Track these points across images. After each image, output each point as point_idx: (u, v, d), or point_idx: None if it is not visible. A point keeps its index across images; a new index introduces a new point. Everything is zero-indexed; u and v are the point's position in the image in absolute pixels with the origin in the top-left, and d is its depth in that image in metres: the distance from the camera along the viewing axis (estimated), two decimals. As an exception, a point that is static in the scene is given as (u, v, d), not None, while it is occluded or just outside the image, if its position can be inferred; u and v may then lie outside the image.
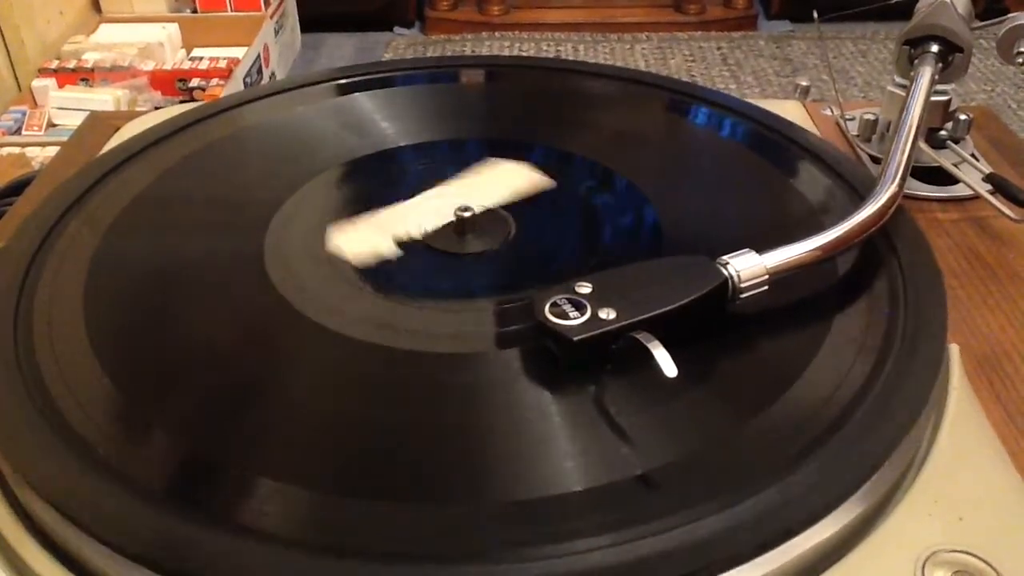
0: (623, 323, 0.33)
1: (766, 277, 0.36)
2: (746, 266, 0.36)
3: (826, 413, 0.32)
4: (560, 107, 0.55)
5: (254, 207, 0.45)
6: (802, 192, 0.45)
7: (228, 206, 0.46)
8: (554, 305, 0.34)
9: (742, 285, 0.35)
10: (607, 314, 0.34)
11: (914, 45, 0.53)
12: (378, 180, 0.49)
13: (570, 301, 0.34)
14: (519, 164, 0.47)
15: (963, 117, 0.56)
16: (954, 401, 0.35)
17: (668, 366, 0.31)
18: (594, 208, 0.46)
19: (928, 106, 0.49)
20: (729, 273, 0.35)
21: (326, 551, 0.28)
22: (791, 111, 0.57)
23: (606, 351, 0.34)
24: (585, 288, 0.35)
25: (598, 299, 0.34)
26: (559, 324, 0.33)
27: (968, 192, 0.52)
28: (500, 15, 2.31)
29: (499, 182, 0.45)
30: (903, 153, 0.44)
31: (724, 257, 0.36)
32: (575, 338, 0.33)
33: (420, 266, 0.42)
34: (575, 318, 0.33)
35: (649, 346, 0.32)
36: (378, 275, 0.41)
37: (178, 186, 0.47)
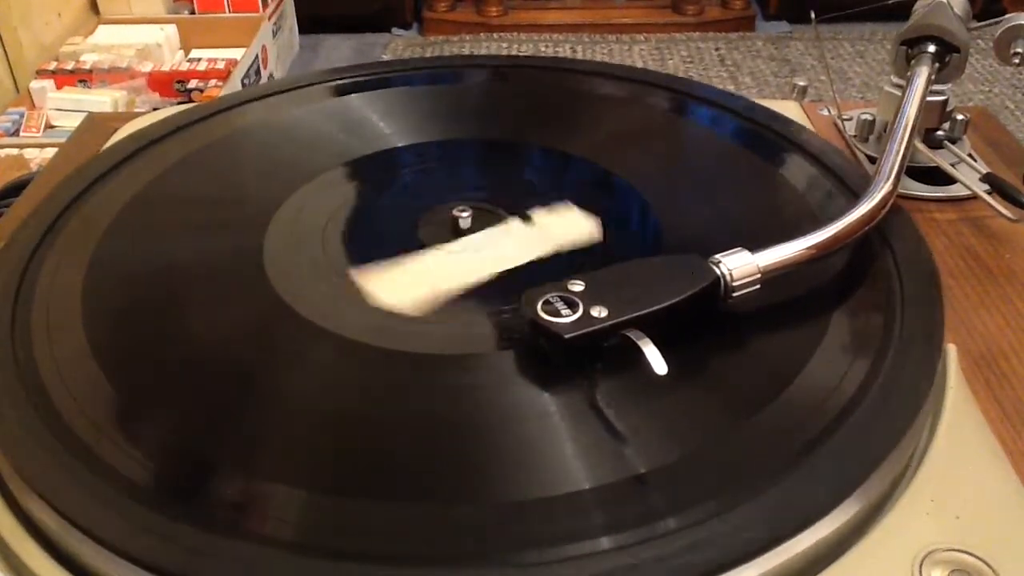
0: (615, 321, 0.33)
1: (759, 276, 0.36)
2: (738, 265, 0.36)
3: (823, 413, 0.32)
4: (556, 107, 0.55)
5: (253, 207, 0.45)
6: (798, 191, 0.45)
7: (227, 206, 0.46)
8: (546, 303, 0.34)
9: (734, 284, 0.35)
10: (599, 312, 0.33)
11: (911, 45, 0.53)
12: (376, 180, 0.49)
13: (562, 299, 0.34)
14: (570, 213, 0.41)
15: (960, 117, 0.56)
16: (951, 401, 0.35)
17: (658, 364, 0.31)
18: (591, 207, 0.46)
19: (924, 106, 0.49)
20: (721, 272, 0.35)
21: (324, 553, 0.28)
22: (789, 111, 0.57)
23: (598, 349, 0.34)
24: (577, 286, 0.35)
25: (590, 297, 0.34)
26: (551, 322, 0.33)
27: (965, 192, 0.52)
28: (498, 16, 2.31)
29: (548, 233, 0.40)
30: (898, 152, 0.44)
31: (717, 256, 0.36)
32: (567, 336, 0.33)
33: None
34: (567, 316, 0.33)
35: (640, 343, 0.32)
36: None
37: (176, 186, 0.47)
